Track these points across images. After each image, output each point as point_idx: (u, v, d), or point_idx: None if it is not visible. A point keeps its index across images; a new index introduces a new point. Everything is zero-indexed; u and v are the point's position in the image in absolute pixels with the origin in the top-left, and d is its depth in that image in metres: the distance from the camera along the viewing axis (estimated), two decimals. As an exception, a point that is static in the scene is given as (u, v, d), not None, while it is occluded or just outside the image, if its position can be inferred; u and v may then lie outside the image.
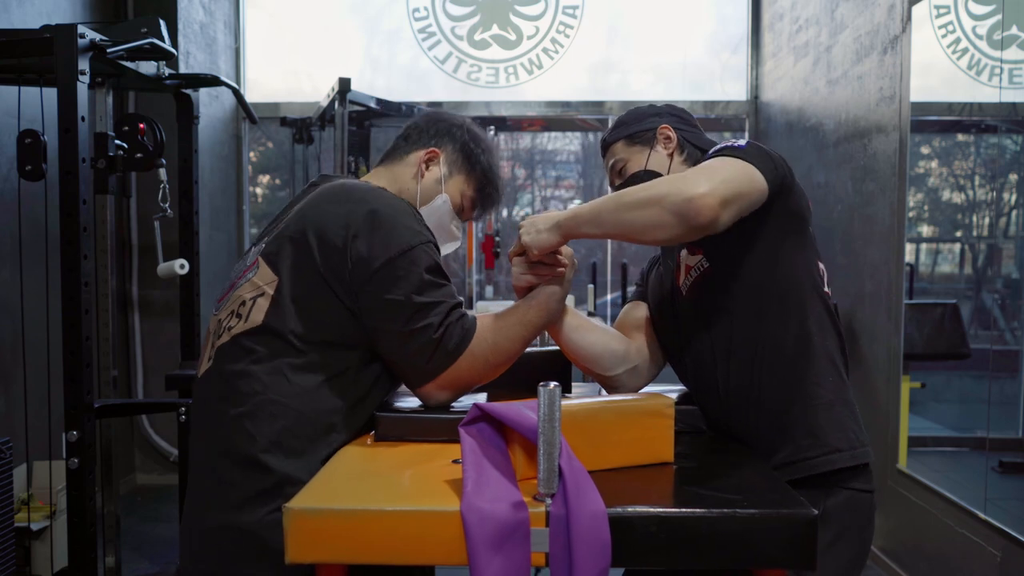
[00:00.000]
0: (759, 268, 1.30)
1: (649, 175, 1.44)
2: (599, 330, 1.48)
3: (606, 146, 1.53)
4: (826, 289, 1.36)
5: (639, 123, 1.49)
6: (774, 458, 1.30)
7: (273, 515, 1.15)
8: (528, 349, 1.52)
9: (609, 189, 1.57)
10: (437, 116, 1.53)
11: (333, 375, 1.23)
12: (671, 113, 1.51)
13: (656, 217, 1.17)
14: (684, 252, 1.39)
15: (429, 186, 1.45)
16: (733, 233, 1.24)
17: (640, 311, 1.55)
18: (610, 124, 4.89)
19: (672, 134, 1.47)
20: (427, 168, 1.45)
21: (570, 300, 2.84)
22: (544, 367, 1.53)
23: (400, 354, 1.25)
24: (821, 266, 1.37)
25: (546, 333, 1.60)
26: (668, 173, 1.44)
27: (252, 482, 1.18)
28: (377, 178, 1.46)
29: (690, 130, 1.50)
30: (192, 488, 1.26)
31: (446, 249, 1.49)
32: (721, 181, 1.17)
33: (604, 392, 1.52)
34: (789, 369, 1.30)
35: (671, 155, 1.46)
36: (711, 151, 1.31)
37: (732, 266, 1.31)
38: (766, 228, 1.29)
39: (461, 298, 1.32)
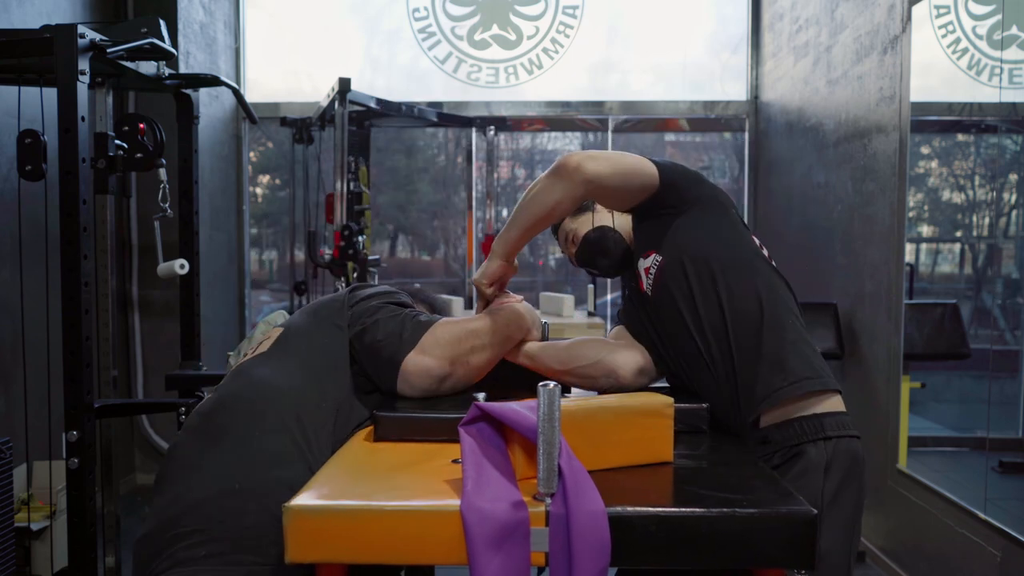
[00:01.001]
0: (700, 243, 1.43)
1: (599, 231, 1.61)
2: (565, 340, 1.59)
3: (555, 228, 1.71)
4: (766, 254, 1.49)
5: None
6: (755, 408, 1.37)
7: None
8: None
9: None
10: None
11: (326, 388, 1.35)
12: None
13: (542, 186, 1.39)
14: (640, 260, 1.50)
15: None
16: (669, 226, 1.44)
17: (621, 331, 1.64)
18: (610, 125, 4.86)
19: None
20: None
21: (569, 299, 2.95)
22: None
23: (381, 336, 1.38)
24: (756, 239, 1.50)
25: (547, 329, 1.63)
26: (614, 223, 1.61)
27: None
28: None
29: None
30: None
31: None
32: (597, 153, 1.39)
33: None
34: (755, 328, 1.39)
35: (612, 211, 1.61)
36: None
37: (679, 249, 1.44)
38: (691, 213, 1.45)
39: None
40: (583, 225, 1.65)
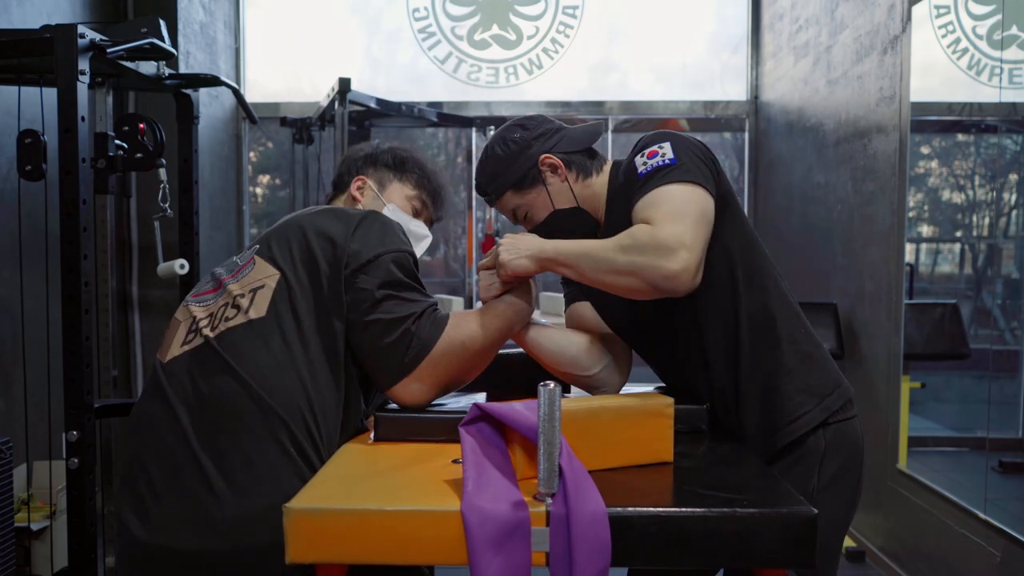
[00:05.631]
0: (722, 244, 1.33)
1: (569, 214, 1.44)
2: (569, 332, 1.49)
3: (492, 201, 1.50)
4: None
5: (515, 166, 1.44)
6: (769, 420, 1.35)
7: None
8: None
9: None
10: (354, 150, 1.63)
11: (332, 365, 1.25)
12: (536, 135, 1.46)
13: (634, 285, 1.22)
14: None
15: (371, 204, 1.54)
16: None
17: (589, 309, 1.54)
18: (610, 125, 4.84)
19: (555, 159, 1.44)
20: (361, 194, 1.56)
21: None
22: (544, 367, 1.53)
23: (380, 345, 1.26)
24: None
25: None
26: (578, 202, 1.44)
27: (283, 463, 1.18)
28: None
29: (560, 137, 1.46)
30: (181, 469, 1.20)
31: (419, 248, 1.54)
32: (692, 241, 1.20)
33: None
34: (763, 332, 1.36)
35: (565, 180, 1.44)
36: (646, 173, 1.29)
37: None
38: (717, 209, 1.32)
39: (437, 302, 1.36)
40: (539, 205, 1.46)
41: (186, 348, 1.27)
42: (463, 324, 1.32)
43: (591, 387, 1.48)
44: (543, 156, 1.44)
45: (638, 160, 1.31)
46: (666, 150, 1.29)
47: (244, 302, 1.27)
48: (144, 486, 1.21)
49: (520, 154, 1.44)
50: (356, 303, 1.26)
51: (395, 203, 1.55)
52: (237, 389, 1.20)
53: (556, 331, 1.48)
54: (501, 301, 1.39)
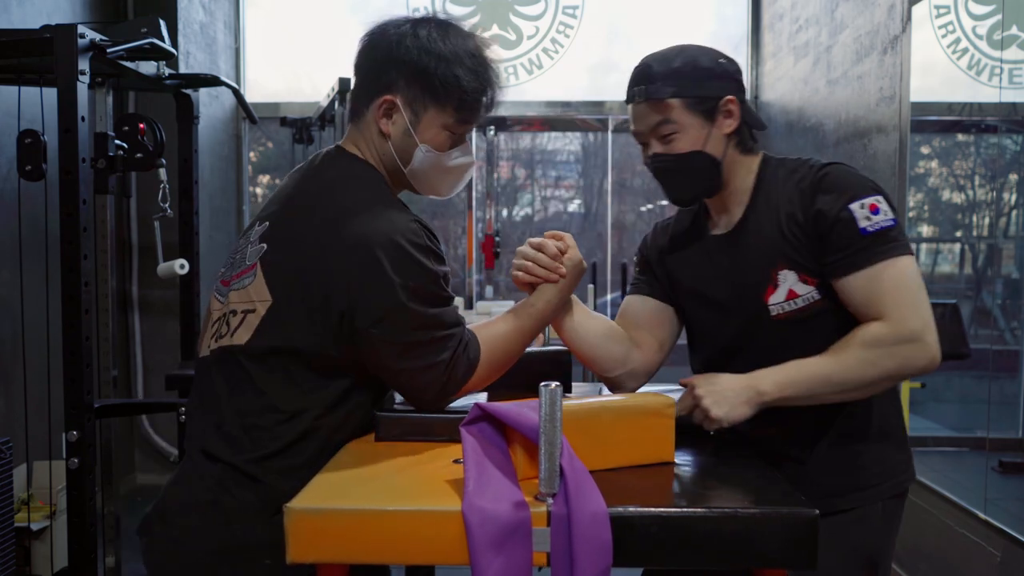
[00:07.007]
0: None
1: (706, 163, 1.31)
2: (600, 332, 1.45)
3: (649, 94, 1.29)
4: None
5: (703, 84, 1.29)
6: (837, 481, 1.38)
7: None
8: (528, 349, 1.52)
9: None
10: (374, 43, 1.29)
11: (326, 385, 1.23)
12: (734, 77, 1.33)
13: (887, 386, 1.30)
14: (790, 274, 1.30)
15: (401, 141, 1.29)
16: (852, 279, 1.26)
17: (645, 307, 1.50)
18: (610, 125, 4.80)
19: (736, 109, 1.31)
20: (390, 121, 1.28)
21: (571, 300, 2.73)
22: (544, 367, 1.53)
23: (409, 387, 1.27)
24: None
25: (548, 332, 1.60)
26: (722, 158, 1.32)
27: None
28: (352, 145, 1.33)
29: (746, 103, 1.36)
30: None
31: (462, 182, 1.38)
32: (930, 318, 1.26)
33: (605, 392, 1.52)
34: (867, 403, 1.37)
35: (728, 135, 1.32)
36: (871, 233, 1.24)
37: (839, 304, 1.29)
38: None
39: (461, 315, 1.30)
40: (691, 137, 1.30)
41: (207, 351, 1.31)
42: (490, 356, 1.30)
43: (608, 385, 1.49)
44: (731, 97, 1.31)
45: (857, 212, 1.24)
46: (884, 207, 1.25)
47: (235, 321, 1.23)
48: (193, 447, 1.29)
49: (718, 78, 1.31)
50: (381, 352, 1.21)
51: (428, 141, 1.29)
52: (234, 404, 1.23)
53: (589, 327, 1.44)
54: (531, 309, 1.34)
